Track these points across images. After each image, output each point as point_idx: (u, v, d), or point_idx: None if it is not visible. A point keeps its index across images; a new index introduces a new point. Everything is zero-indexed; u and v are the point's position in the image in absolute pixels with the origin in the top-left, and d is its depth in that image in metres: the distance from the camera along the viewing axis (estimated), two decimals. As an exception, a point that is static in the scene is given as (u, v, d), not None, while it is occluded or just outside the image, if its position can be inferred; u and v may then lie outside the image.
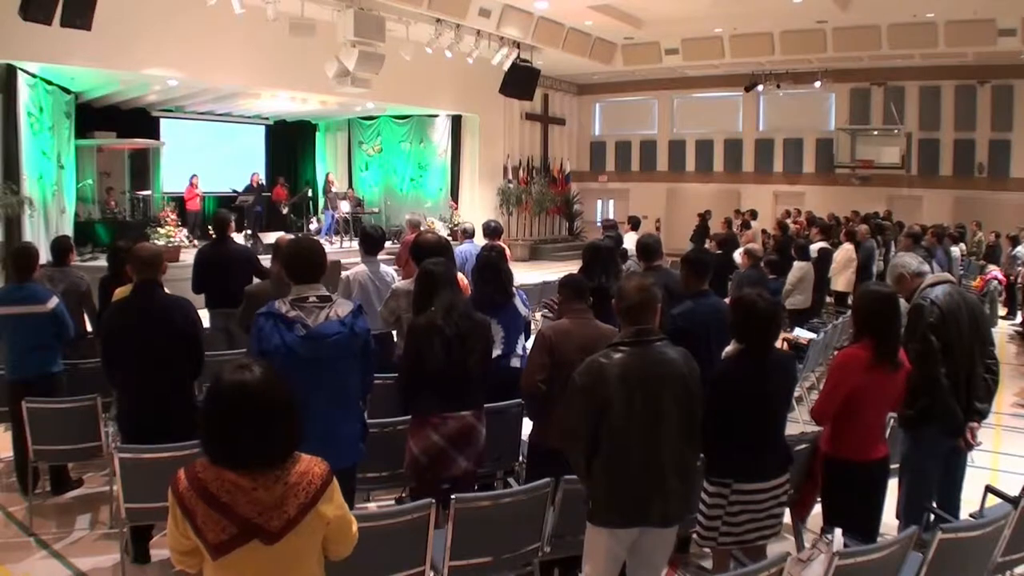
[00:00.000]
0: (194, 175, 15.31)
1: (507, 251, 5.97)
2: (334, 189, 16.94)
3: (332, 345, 2.92)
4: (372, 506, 4.33)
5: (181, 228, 12.99)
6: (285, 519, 1.83)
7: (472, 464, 3.53)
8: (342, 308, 3.02)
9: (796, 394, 5.02)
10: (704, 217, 15.70)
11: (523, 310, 4.78)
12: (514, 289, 4.63)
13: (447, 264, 3.76)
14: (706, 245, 11.18)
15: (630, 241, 9.11)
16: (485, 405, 3.95)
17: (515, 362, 4.33)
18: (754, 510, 3.11)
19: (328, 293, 3.07)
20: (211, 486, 1.81)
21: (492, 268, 4.46)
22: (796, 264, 8.68)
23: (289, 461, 1.88)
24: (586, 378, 2.77)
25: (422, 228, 8.42)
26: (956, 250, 11.72)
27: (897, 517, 3.62)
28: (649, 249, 5.33)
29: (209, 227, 14.50)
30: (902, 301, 3.70)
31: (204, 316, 3.84)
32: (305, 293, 3.00)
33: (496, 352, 4.23)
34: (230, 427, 1.81)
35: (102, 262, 10.44)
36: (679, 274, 4.53)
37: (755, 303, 3.14)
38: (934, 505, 3.59)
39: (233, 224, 6.53)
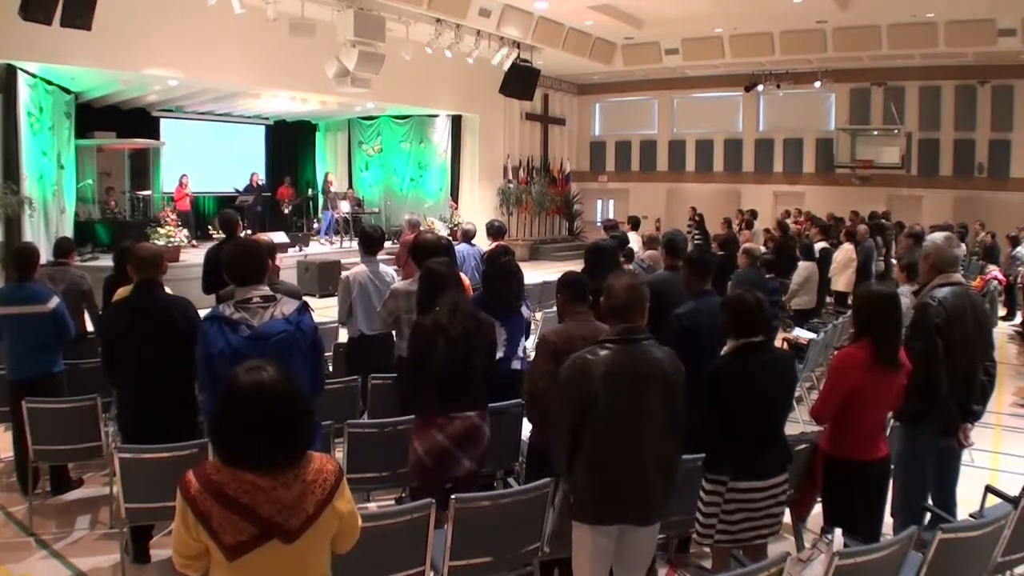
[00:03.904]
0: (184, 175, 15.03)
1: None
2: (333, 189, 16.98)
3: (277, 343, 2.89)
4: (372, 506, 4.32)
5: (181, 228, 12.97)
6: (304, 517, 1.83)
7: (476, 464, 3.53)
8: (287, 306, 3.01)
9: (796, 394, 5.01)
10: (699, 214, 15.81)
11: (525, 312, 4.78)
12: None
13: (451, 264, 3.77)
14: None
15: (634, 241, 9.09)
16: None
17: (516, 364, 4.32)
18: (751, 509, 3.11)
19: (272, 293, 3.03)
20: (228, 488, 1.79)
21: (514, 274, 4.45)
22: (801, 264, 8.65)
23: (304, 459, 1.88)
24: (570, 373, 2.77)
25: (421, 228, 8.42)
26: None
27: (892, 514, 3.62)
28: (675, 246, 5.22)
29: (210, 227, 14.63)
30: (904, 300, 3.71)
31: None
32: (249, 294, 2.98)
33: (499, 354, 4.24)
34: (251, 428, 1.80)
35: (102, 262, 10.46)
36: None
37: (744, 300, 3.15)
38: (929, 503, 3.59)
39: (241, 223, 6.55)
